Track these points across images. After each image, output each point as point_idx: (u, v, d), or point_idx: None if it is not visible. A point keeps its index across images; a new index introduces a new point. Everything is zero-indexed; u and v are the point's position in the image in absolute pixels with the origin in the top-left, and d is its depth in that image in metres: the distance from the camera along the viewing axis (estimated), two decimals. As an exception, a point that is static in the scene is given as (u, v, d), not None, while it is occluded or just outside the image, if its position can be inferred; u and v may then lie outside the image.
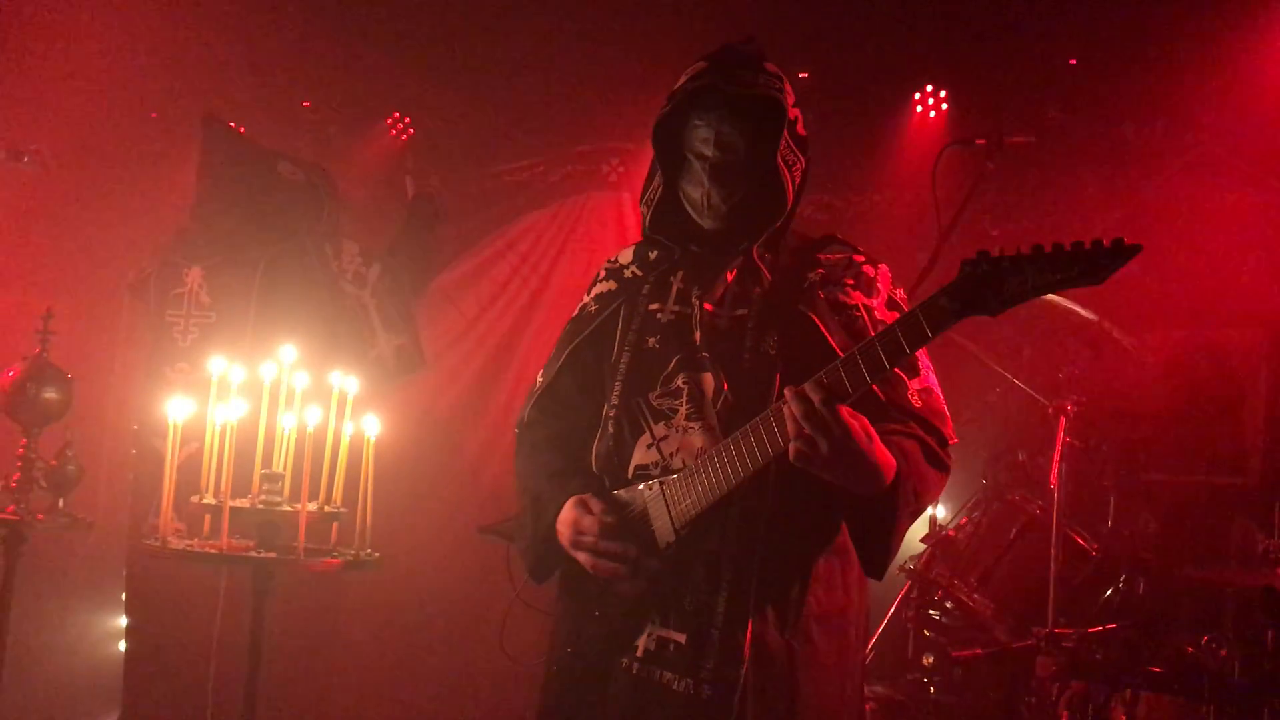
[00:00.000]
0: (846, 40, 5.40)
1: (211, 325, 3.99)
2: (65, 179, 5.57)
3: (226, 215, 4.13)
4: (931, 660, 4.15)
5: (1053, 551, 3.76)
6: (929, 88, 5.64)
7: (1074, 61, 5.23)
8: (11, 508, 3.22)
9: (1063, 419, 3.93)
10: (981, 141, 3.56)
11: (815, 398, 1.92)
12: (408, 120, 6.71)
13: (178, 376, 3.90)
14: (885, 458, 2.01)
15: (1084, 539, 4.01)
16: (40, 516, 3.26)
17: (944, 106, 5.61)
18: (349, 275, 4.18)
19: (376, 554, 2.87)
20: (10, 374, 3.29)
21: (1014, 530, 4.07)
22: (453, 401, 6.38)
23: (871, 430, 1.98)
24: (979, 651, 3.83)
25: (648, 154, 2.40)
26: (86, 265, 5.83)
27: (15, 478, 3.25)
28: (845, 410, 1.94)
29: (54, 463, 3.31)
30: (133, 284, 4.15)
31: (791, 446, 1.95)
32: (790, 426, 1.94)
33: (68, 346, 3.38)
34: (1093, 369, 4.13)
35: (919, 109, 5.67)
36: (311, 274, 4.10)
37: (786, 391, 1.96)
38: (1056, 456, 3.83)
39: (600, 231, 6.60)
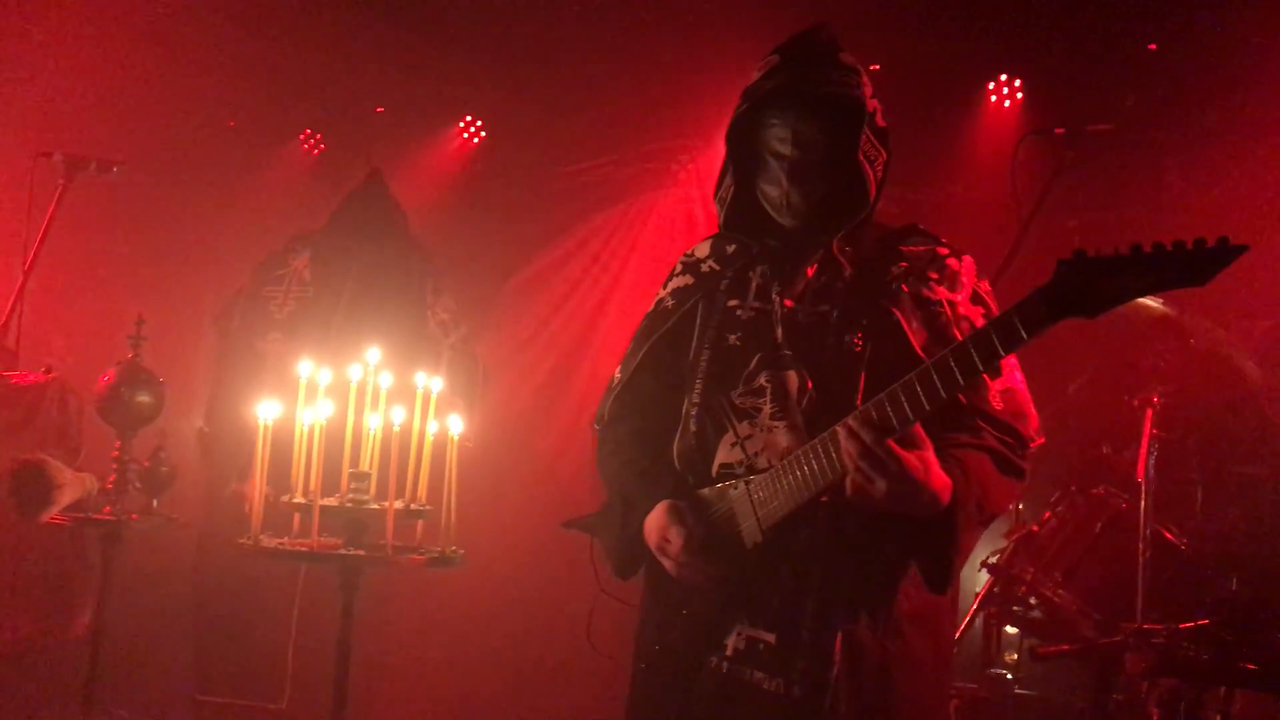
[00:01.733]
0: (918, 30, 5.36)
1: (309, 300, 4.08)
2: (152, 188, 5.72)
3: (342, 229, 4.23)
4: (1015, 657, 4.10)
5: (1141, 546, 3.69)
6: (1003, 77, 5.57)
7: (1153, 46, 5.13)
8: (108, 508, 3.29)
9: (1149, 411, 3.86)
10: (1060, 131, 3.51)
11: (866, 436, 1.90)
12: (479, 123, 6.78)
13: (270, 348, 3.98)
14: (942, 482, 1.98)
15: (1172, 533, 3.93)
16: (135, 517, 3.34)
17: (1019, 95, 5.54)
18: (439, 317, 4.23)
19: (461, 550, 2.90)
20: (105, 378, 3.38)
21: (1099, 525, 4.00)
22: (527, 400, 6.43)
23: (929, 459, 1.95)
24: (1065, 648, 3.75)
25: (718, 151, 2.38)
26: (173, 271, 5.98)
27: (111, 479, 3.33)
28: (908, 439, 1.92)
29: (147, 464, 3.39)
30: (217, 317, 4.23)
31: (848, 480, 1.94)
32: (845, 461, 1.93)
33: (157, 351, 3.46)
34: (1179, 360, 4.04)
35: (993, 98, 5.60)
36: (406, 290, 4.16)
37: (839, 429, 1.94)
38: (1143, 449, 3.76)
39: (671, 229, 6.61)
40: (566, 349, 6.61)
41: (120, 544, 3.29)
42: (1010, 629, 4.16)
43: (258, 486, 2.77)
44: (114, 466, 3.35)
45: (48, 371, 3.65)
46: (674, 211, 6.60)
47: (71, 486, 3.16)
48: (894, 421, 1.91)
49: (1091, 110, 4.61)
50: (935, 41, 5.41)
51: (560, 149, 6.61)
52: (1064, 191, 3.70)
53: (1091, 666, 3.85)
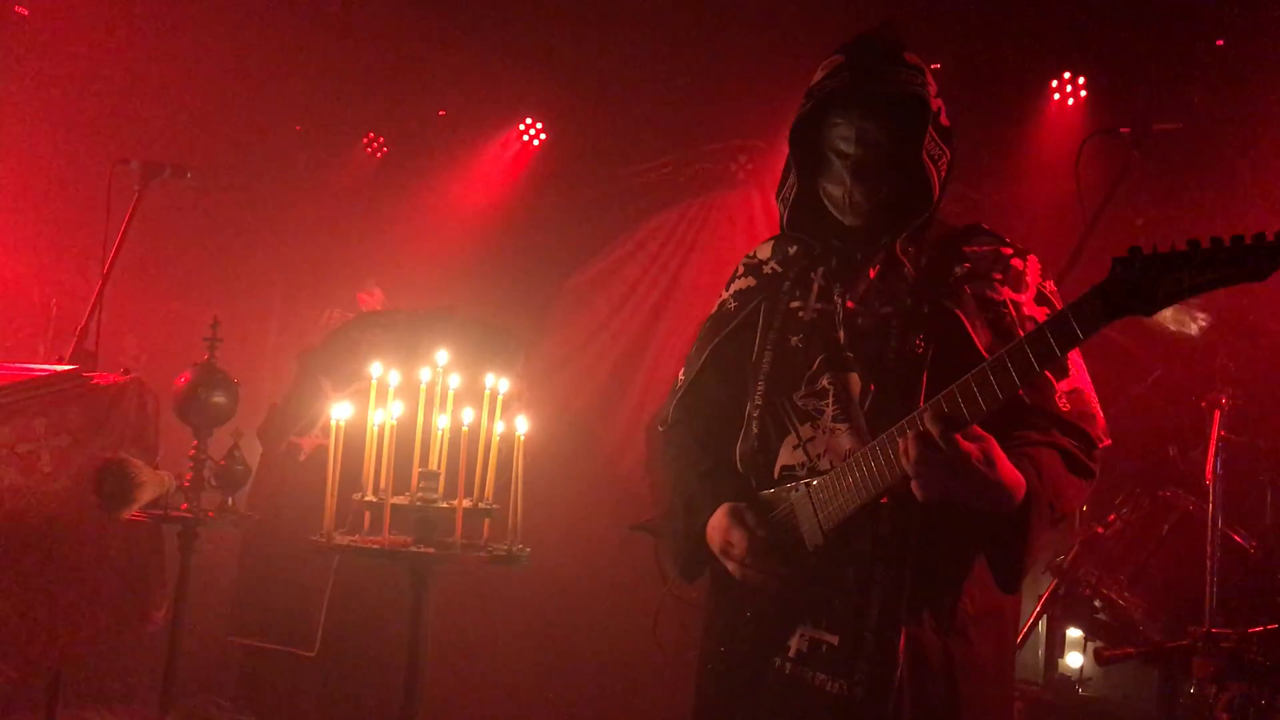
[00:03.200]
0: (980, 28, 5.32)
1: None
2: (221, 193, 5.85)
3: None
4: (1080, 659, 4.06)
5: (1209, 549, 3.64)
6: (1066, 75, 5.52)
7: (1220, 43, 5.05)
8: (185, 505, 3.38)
9: (1217, 412, 3.80)
10: (1126, 130, 3.47)
11: (935, 430, 1.88)
12: (540, 126, 6.84)
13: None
14: (1013, 478, 1.95)
15: (1241, 536, 3.88)
16: (211, 514, 3.42)
17: (1082, 94, 5.49)
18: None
19: (527, 549, 2.93)
20: (182, 379, 3.46)
21: (1166, 527, 3.96)
22: (587, 400, 6.48)
23: (995, 453, 1.93)
24: (1131, 651, 3.72)
25: (777, 151, 2.38)
26: (242, 273, 6.11)
27: (188, 478, 3.40)
28: (970, 434, 1.89)
29: (222, 463, 3.47)
30: (302, 355, 4.34)
31: (914, 482, 1.92)
32: (908, 463, 1.91)
33: (228, 352, 3.54)
34: (1250, 360, 3.98)
35: (1057, 96, 5.55)
36: None
37: (903, 422, 1.93)
38: (1211, 451, 3.71)
39: (729, 229, 6.62)
40: (626, 349, 6.64)
41: (196, 540, 3.36)
42: (1074, 631, 4.12)
43: (330, 483, 2.83)
44: (190, 465, 3.43)
45: (126, 373, 3.73)
46: (734, 211, 6.61)
47: (151, 484, 3.24)
48: (951, 420, 1.90)
49: (1157, 108, 4.55)
50: (999, 40, 5.37)
51: (620, 150, 6.65)
52: (1130, 189, 3.65)
53: (1158, 670, 3.81)
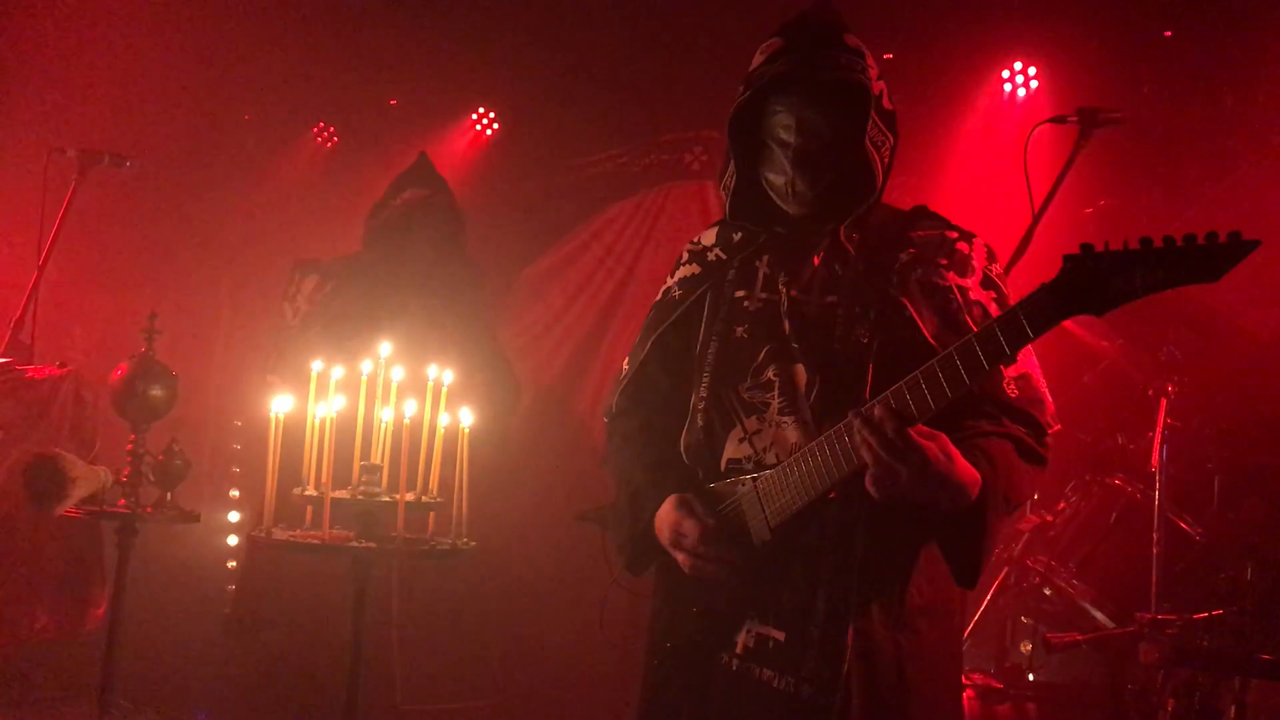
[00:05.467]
0: (931, 17, 5.32)
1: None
2: (165, 182, 5.75)
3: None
4: (1030, 647, 4.09)
5: (1155, 535, 3.67)
6: (1017, 65, 5.53)
7: (1169, 34, 5.09)
8: (122, 501, 3.30)
9: (1163, 401, 3.83)
10: (1074, 119, 3.48)
11: (889, 427, 1.86)
12: (492, 115, 6.78)
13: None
14: (968, 474, 1.94)
15: (1188, 523, 3.91)
16: (149, 510, 3.35)
17: (1033, 84, 5.50)
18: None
19: (472, 543, 2.90)
20: (118, 372, 3.39)
21: (1114, 515, 3.98)
22: (540, 393, 6.43)
23: (950, 449, 1.91)
24: (1079, 637, 3.74)
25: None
26: (187, 265, 6.02)
27: (125, 472, 3.33)
28: (919, 432, 1.87)
29: (161, 458, 3.40)
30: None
31: (868, 475, 1.90)
32: (864, 455, 1.89)
33: (169, 344, 3.47)
34: (1198, 350, 4.01)
35: (1007, 87, 5.56)
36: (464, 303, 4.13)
37: (854, 418, 1.90)
38: (1157, 439, 3.74)
39: (684, 221, 6.58)
40: (581, 340, 6.60)
41: (134, 537, 3.30)
42: (1024, 619, 4.14)
43: (270, 478, 2.78)
44: (128, 460, 3.36)
45: (62, 366, 3.66)
46: (689, 202, 6.58)
47: (86, 480, 3.18)
48: (902, 417, 1.87)
49: (1106, 98, 4.57)
50: (949, 28, 5.38)
51: (574, 140, 6.61)
52: (1078, 180, 3.66)
53: (1106, 656, 3.84)
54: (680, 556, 2.18)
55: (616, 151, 6.72)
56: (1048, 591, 4.04)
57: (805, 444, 2.06)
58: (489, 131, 6.81)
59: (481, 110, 6.77)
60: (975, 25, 5.34)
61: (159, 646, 4.20)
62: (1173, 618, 3.51)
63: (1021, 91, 5.54)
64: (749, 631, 2.13)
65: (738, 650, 2.14)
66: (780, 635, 2.09)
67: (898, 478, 1.88)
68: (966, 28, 5.36)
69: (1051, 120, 3.53)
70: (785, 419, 2.14)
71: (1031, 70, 5.51)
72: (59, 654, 3.87)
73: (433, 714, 4.30)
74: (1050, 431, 2.14)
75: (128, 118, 5.55)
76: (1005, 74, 5.56)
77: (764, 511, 2.11)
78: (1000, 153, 5.31)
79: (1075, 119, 3.47)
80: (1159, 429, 3.77)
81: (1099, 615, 3.88)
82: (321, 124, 6.82)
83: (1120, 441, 4.27)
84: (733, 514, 2.16)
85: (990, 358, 1.84)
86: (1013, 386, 2.10)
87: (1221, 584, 3.78)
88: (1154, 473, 3.72)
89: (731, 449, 2.20)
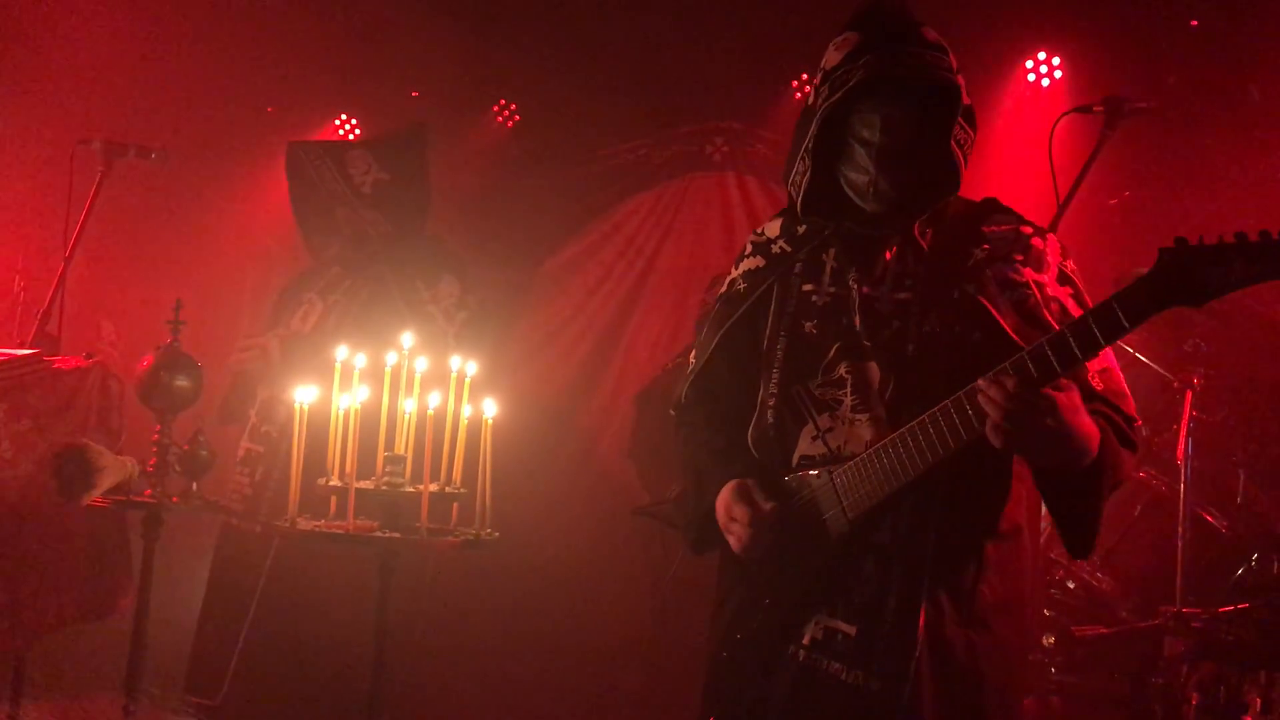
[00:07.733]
0: (956, 6, 5.28)
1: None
2: (190, 173, 5.77)
3: (327, 245, 4.09)
4: (1052, 640, 4.07)
5: (1179, 529, 3.66)
6: (1042, 55, 5.50)
7: (1195, 23, 5.05)
8: (149, 491, 3.33)
9: (1189, 393, 3.81)
10: (1100, 108, 3.46)
11: (1011, 381, 1.86)
12: (514, 106, 6.78)
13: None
14: (1091, 428, 1.94)
15: (1213, 516, 3.90)
16: (175, 500, 3.37)
17: (1057, 74, 5.47)
18: (441, 303, 4.06)
19: (495, 533, 2.91)
20: (144, 363, 3.41)
21: (1138, 508, 3.97)
22: (562, 384, 6.45)
23: (1078, 400, 1.92)
24: (1102, 631, 3.74)
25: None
26: (212, 256, 6.05)
27: (151, 463, 3.35)
28: (1052, 385, 1.88)
29: (186, 448, 3.42)
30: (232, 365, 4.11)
31: (992, 430, 1.89)
32: (991, 410, 1.88)
33: (194, 335, 3.49)
34: (1222, 341, 3.98)
35: (1031, 77, 5.53)
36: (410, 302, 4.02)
37: (982, 381, 1.89)
38: (1183, 432, 3.72)
39: (705, 212, 6.59)
40: (602, 331, 6.61)
41: (160, 526, 3.32)
42: (1047, 612, 4.13)
43: (294, 468, 2.79)
44: (154, 450, 3.38)
45: (89, 356, 3.68)
46: (710, 194, 6.58)
47: (112, 470, 3.20)
48: (1034, 376, 1.88)
49: (1131, 89, 4.54)
50: (973, 18, 5.34)
51: (595, 132, 6.60)
52: (1104, 170, 3.65)
53: (1130, 650, 3.82)
54: (730, 540, 2.21)
55: (638, 143, 6.72)
56: (1071, 585, 4.03)
57: (880, 441, 2.06)
58: (511, 123, 6.81)
59: (503, 101, 6.77)
60: (1000, 15, 5.31)
61: (182, 634, 4.23)
62: (1198, 611, 3.50)
63: (1046, 82, 5.51)
64: (817, 624, 2.13)
65: (804, 642, 2.14)
66: (851, 630, 2.09)
67: (1027, 428, 1.87)
68: (990, 18, 5.32)
69: (1077, 110, 3.51)
70: (859, 416, 2.13)
71: (1056, 60, 5.48)
72: (86, 642, 3.91)
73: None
74: (1136, 424, 2.13)
75: (153, 110, 5.58)
76: (1030, 64, 5.53)
77: (842, 503, 2.11)
78: (1025, 143, 5.27)
79: (1101, 108, 3.45)
80: (1184, 422, 3.76)
81: (1122, 608, 3.87)
82: (344, 116, 6.83)
83: (1145, 434, 4.25)
84: (807, 507, 2.16)
85: (1084, 348, 1.85)
86: (1098, 380, 2.09)
87: (1247, 577, 3.77)
88: (1179, 465, 3.70)
89: (804, 446, 2.20)
